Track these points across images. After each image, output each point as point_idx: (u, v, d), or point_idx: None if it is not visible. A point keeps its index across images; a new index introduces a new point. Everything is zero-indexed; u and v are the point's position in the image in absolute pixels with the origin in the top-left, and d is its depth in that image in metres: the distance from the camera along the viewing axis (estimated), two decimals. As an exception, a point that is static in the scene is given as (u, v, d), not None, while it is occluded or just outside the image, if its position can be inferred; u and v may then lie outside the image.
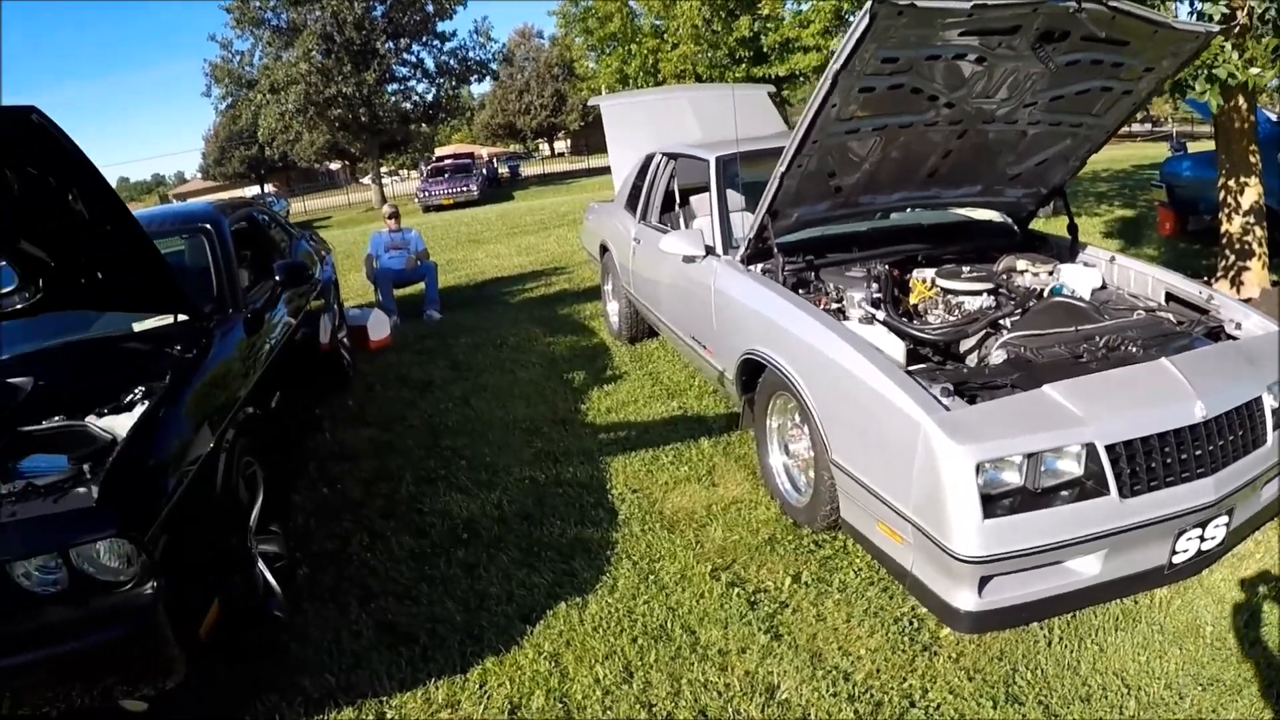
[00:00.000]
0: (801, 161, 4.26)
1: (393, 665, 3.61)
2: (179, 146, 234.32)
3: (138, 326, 4.96)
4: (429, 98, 42.84)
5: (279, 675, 3.65)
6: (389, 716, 3.35)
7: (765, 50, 31.09)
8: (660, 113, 8.51)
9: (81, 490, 3.09)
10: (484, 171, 41.24)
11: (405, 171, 62.87)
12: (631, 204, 7.43)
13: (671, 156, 6.80)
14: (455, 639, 3.71)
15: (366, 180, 50.20)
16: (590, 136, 63.46)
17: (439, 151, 55.50)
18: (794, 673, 3.27)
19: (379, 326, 9.02)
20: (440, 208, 33.58)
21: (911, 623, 3.51)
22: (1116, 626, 3.41)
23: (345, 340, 8.07)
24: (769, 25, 30.00)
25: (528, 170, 54.95)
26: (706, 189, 6.01)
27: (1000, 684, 3.15)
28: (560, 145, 77.00)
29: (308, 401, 6.08)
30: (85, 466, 3.26)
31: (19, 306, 4.46)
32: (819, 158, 4.33)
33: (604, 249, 8.34)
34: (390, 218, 10.98)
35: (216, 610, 3.32)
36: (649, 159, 7.29)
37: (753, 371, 4.65)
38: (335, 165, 68.41)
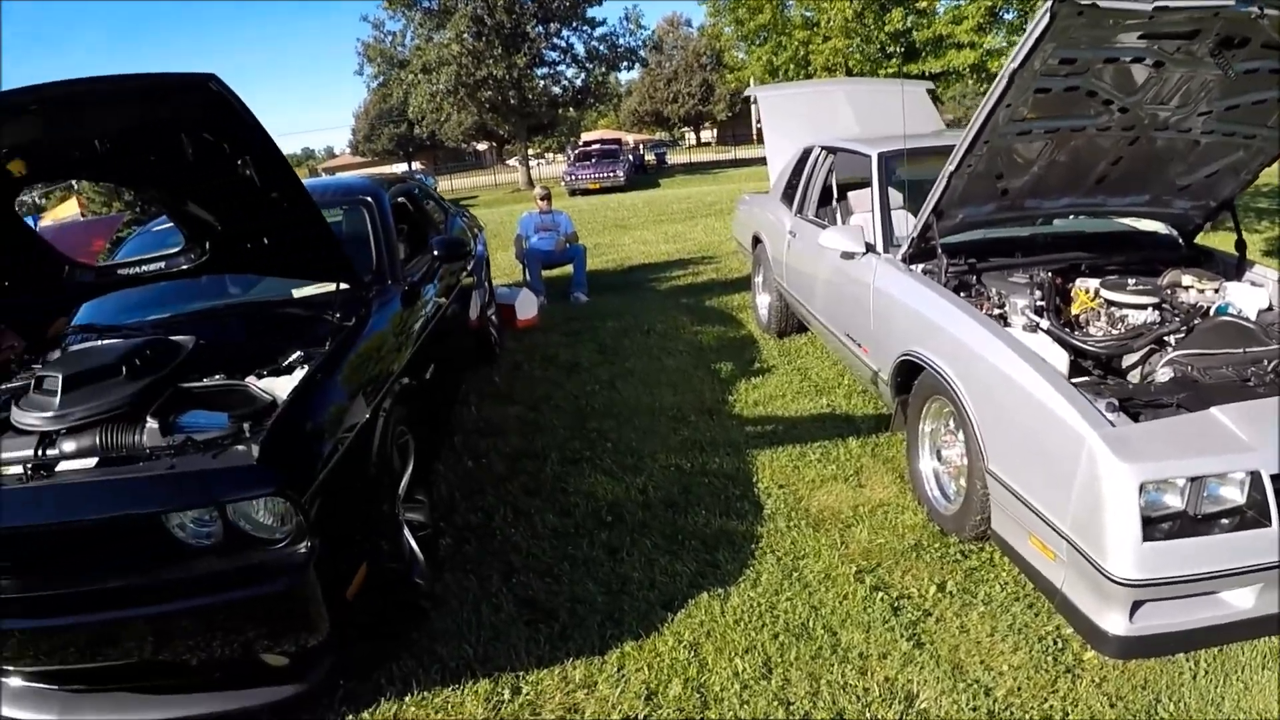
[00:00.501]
0: (971, 161, 4.18)
1: (531, 641, 3.68)
2: (328, 123, 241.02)
3: (297, 293, 5.08)
4: (578, 83, 43.28)
5: (417, 642, 3.76)
6: (525, 691, 3.40)
7: (917, 46, 30.56)
8: (816, 105, 8.45)
9: (241, 448, 3.18)
10: (630, 158, 41.30)
11: (551, 155, 63.49)
12: (788, 197, 7.39)
13: (830, 150, 6.74)
14: (595, 620, 3.75)
15: (513, 162, 51.03)
16: (737, 127, 63.16)
17: (585, 136, 56.05)
18: (934, 683, 3.22)
19: (527, 306, 9.15)
20: (586, 192, 33.77)
21: (1056, 642, 3.41)
22: (1264, 665, 3.26)
23: (494, 318, 8.22)
24: (922, 21, 29.49)
25: (674, 158, 54.85)
26: (864, 184, 5.94)
27: (1142, 713, 3.06)
28: (706, 135, 76.66)
29: (456, 375, 6.18)
30: (245, 425, 3.36)
31: (184, 267, 4.55)
32: (988, 158, 4.26)
33: (756, 240, 8.30)
34: (542, 199, 11.12)
35: (363, 574, 3.41)
36: (807, 152, 7.23)
37: (909, 373, 4.58)
38: (482, 146, 69.72)
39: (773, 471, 5.05)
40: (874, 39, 30.36)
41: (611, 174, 34.60)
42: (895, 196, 5.77)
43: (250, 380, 3.91)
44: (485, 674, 3.53)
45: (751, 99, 9.18)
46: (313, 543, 3.11)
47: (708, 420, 5.96)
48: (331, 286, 4.73)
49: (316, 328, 4.44)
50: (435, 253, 5.74)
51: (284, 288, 5.12)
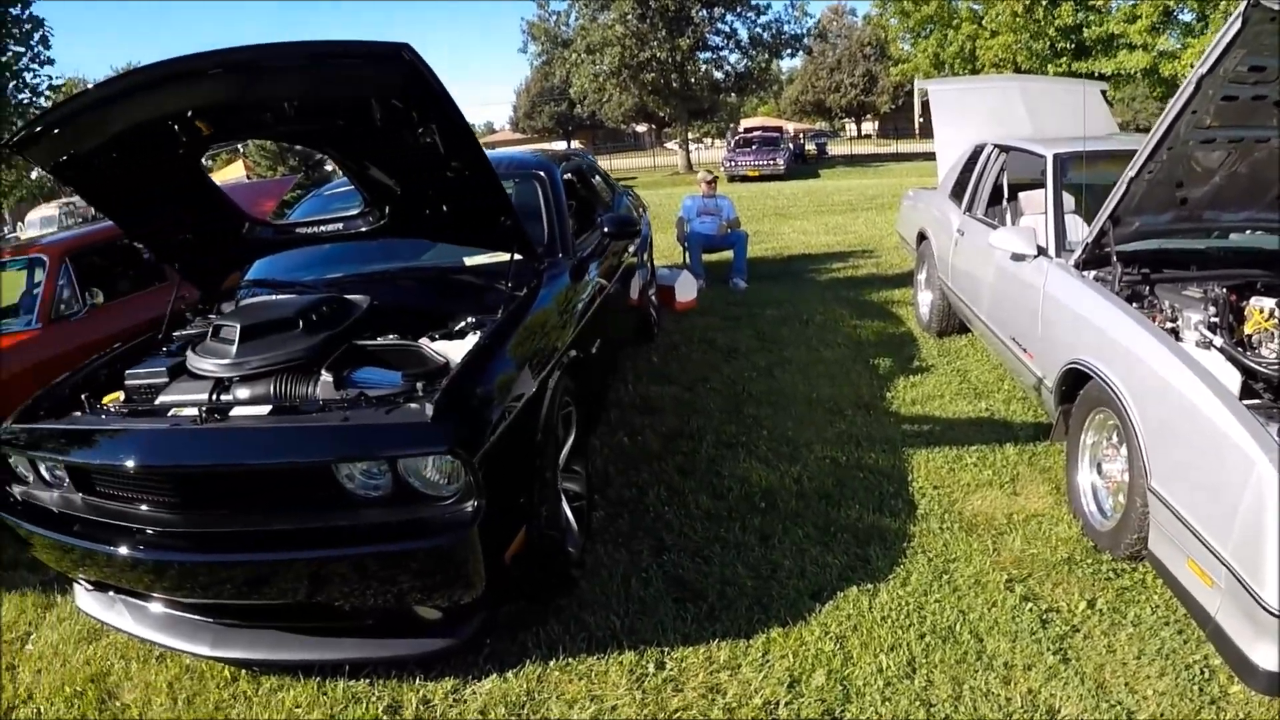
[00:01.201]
0: (1152, 168, 4.12)
1: (678, 619, 3.76)
2: (489, 98, 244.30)
3: (469, 261, 5.19)
4: (740, 68, 43.03)
5: (564, 608, 3.88)
6: (668, 667, 3.48)
7: (1087, 44, 29.32)
8: (988, 101, 8.30)
9: (414, 406, 3.30)
10: (790, 146, 40.91)
11: (710, 140, 63.26)
12: (957, 194, 7.31)
13: (1003, 149, 6.64)
14: (743, 604, 3.81)
15: (672, 145, 51.08)
16: (899, 120, 61.87)
17: (745, 123, 55.62)
18: (1076, 700, 3.18)
19: (686, 288, 9.21)
20: (745, 179, 33.64)
21: (1203, 671, 3.31)
22: None
23: (654, 298, 8.34)
24: (1092, 18, 28.32)
25: (834, 149, 54.07)
26: (1035, 185, 5.85)
27: (1284, 753, 2.96)
28: (867, 126, 75.26)
29: (616, 352, 6.26)
30: (418, 385, 3.45)
31: (362, 229, 4.65)
32: (1169, 166, 4.19)
33: (921, 237, 8.22)
34: (707, 183, 11.17)
35: (522, 537, 3.52)
36: (978, 149, 7.14)
37: (1074, 382, 4.50)
38: (641, 128, 69.69)
39: (928, 472, 5.03)
40: (1043, 35, 29.42)
41: (771, 162, 34.38)
42: (1070, 201, 5.67)
43: (424, 342, 4.05)
44: (631, 646, 3.63)
45: (921, 92, 9.00)
46: (479, 503, 3.19)
47: (864, 415, 5.95)
48: (504, 256, 4.81)
49: (487, 296, 4.56)
50: (605, 229, 5.80)
51: (455, 255, 5.22)
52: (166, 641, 3.84)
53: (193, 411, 3.60)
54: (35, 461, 3.88)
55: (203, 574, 3.49)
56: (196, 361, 3.95)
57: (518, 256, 4.61)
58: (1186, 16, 28.62)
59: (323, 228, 4.85)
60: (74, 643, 4.25)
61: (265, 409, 3.55)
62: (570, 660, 3.60)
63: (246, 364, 3.80)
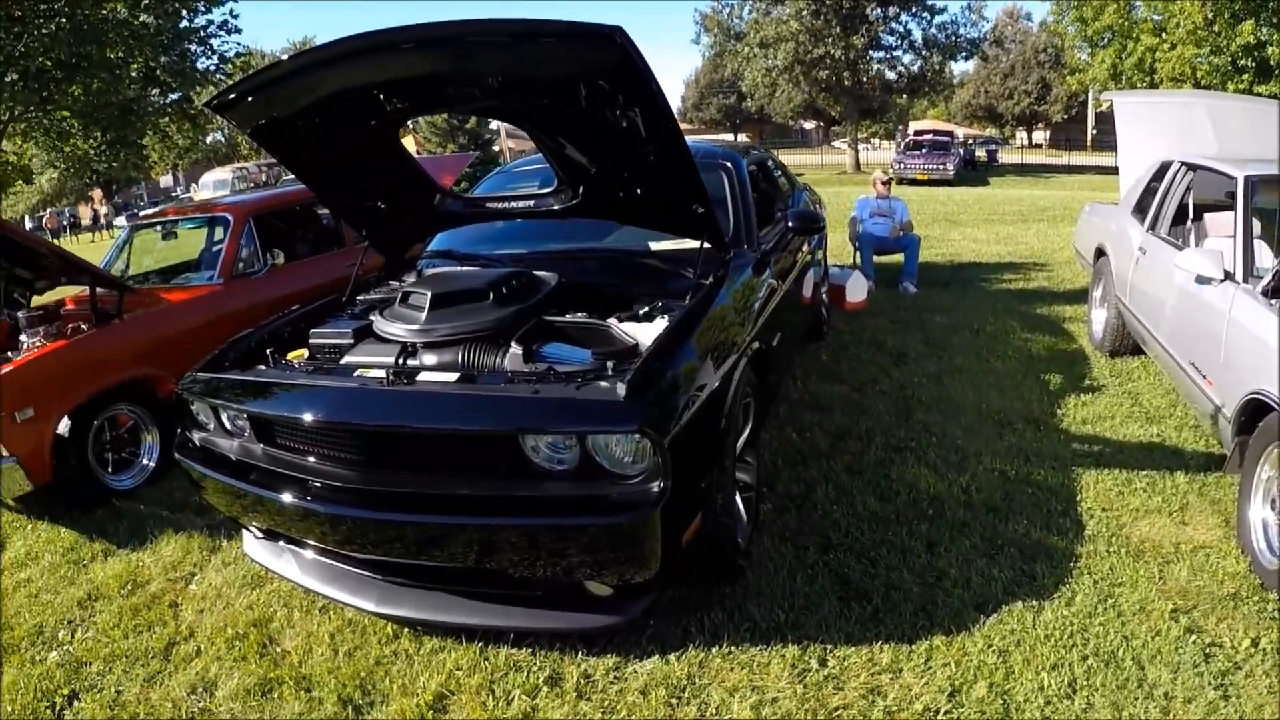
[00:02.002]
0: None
1: (842, 618, 3.77)
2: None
3: (654, 246, 5.14)
4: (914, 69, 42.12)
5: (729, 597, 3.92)
6: (830, 665, 3.50)
7: (1272, 63, 27.59)
8: (1175, 116, 7.92)
9: (605, 384, 3.30)
10: (960, 152, 39.70)
11: (877, 140, 62.06)
12: (1140, 211, 7.06)
13: (1191, 167, 6.39)
14: (908, 609, 3.81)
15: (840, 144, 50.36)
16: (1070, 131, 59.76)
17: (915, 125, 54.37)
18: (1235, 739, 3.09)
19: (857, 289, 9.12)
20: (914, 182, 32.80)
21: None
22: None
23: (825, 296, 8.30)
24: (1276, 37, 26.62)
25: (1004, 157, 52.27)
26: (1221, 206, 5.63)
27: None
28: (1038, 136, 72.55)
29: (790, 347, 6.22)
30: (609, 364, 3.47)
31: (554, 207, 4.66)
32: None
33: (1099, 253, 7.95)
34: (882, 184, 11.01)
35: (699, 523, 3.51)
36: (1164, 166, 6.88)
37: (1254, 413, 4.33)
38: (809, 125, 68.86)
39: (1096, 493, 4.90)
40: (1225, 50, 27.86)
41: (941, 166, 33.33)
42: (1256, 224, 5.44)
43: (612, 322, 4.06)
44: (794, 641, 3.64)
45: (1104, 102, 8.67)
46: (665, 484, 3.17)
47: (1034, 430, 5.83)
48: (689, 244, 4.75)
49: (672, 282, 4.57)
50: (789, 224, 5.75)
51: (639, 239, 5.18)
52: (332, 594, 3.96)
53: (379, 373, 3.70)
54: (218, 410, 4.04)
55: (378, 531, 3.53)
56: (383, 325, 4.05)
57: (706, 245, 4.57)
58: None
59: (514, 203, 4.93)
60: (238, 587, 4.49)
61: (452, 376, 3.61)
62: (733, 649, 3.62)
63: (435, 331, 3.87)
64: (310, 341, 4.26)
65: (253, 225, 7.06)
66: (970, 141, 50.57)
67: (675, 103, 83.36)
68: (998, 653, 3.52)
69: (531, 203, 4.83)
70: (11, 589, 4.80)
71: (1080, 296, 9.60)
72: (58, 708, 3.75)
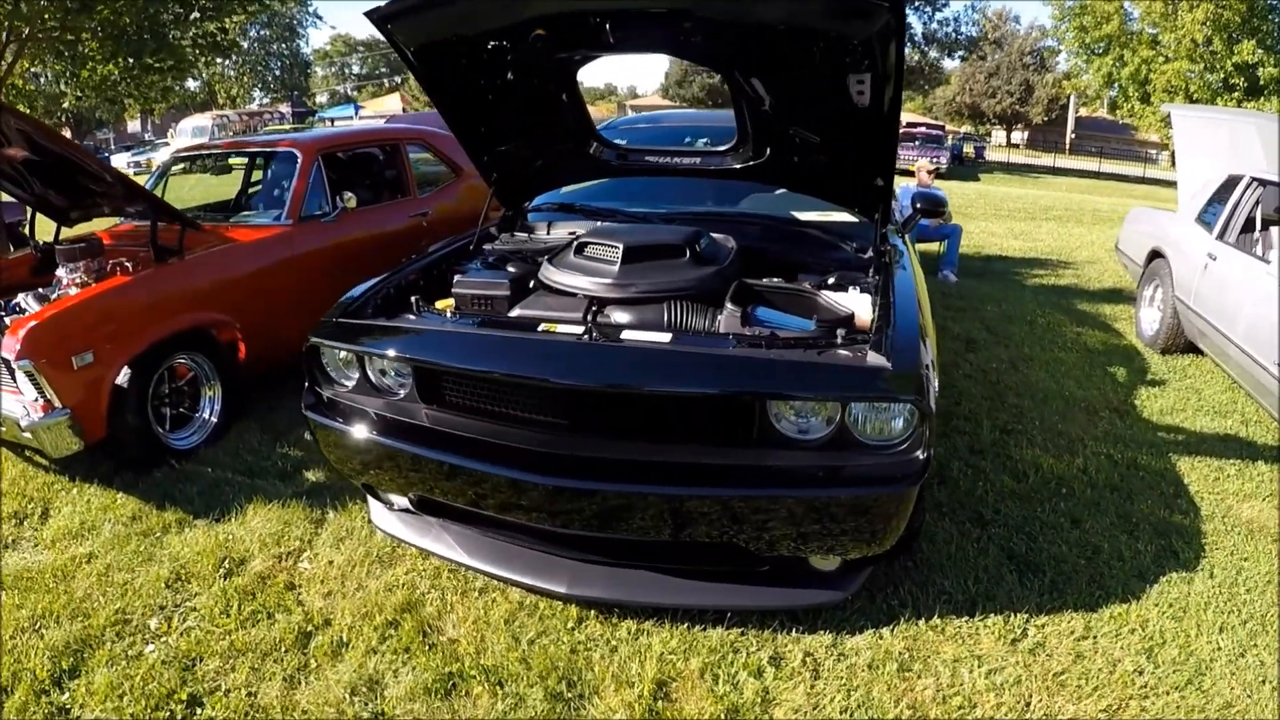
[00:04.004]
0: None
1: (1024, 589, 3.80)
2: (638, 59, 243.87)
3: (801, 215, 4.79)
4: (910, 63, 41.96)
5: (913, 571, 3.88)
6: (1032, 634, 3.52)
7: (1262, 83, 28.13)
8: (1230, 132, 8.04)
9: (849, 352, 3.08)
10: (950, 147, 39.67)
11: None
12: (1205, 220, 7.24)
13: (1263, 182, 6.59)
14: (1080, 580, 3.88)
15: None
16: (1050, 133, 59.81)
17: (904, 118, 54.09)
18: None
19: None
20: (905, 173, 32.61)
21: None
22: None
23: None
24: (1270, 58, 27.18)
25: (990, 155, 52.00)
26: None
27: None
28: (1017, 136, 72.22)
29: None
30: (839, 331, 3.21)
31: (731, 165, 4.26)
32: None
33: (1154, 255, 8.09)
34: (928, 172, 11.04)
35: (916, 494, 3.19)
36: (1234, 179, 7.05)
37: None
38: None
39: (1195, 478, 5.06)
40: (1219, 67, 28.37)
41: (935, 159, 32.93)
42: None
43: (824, 291, 3.80)
44: (990, 612, 3.61)
45: (1166, 116, 8.83)
46: (928, 454, 2.99)
47: (1119, 419, 5.97)
48: (841, 216, 4.64)
49: (833, 253, 4.31)
50: (917, 205, 5.36)
51: (781, 207, 4.87)
52: (507, 574, 3.54)
53: (573, 330, 3.31)
54: (366, 363, 3.57)
55: (595, 503, 3.13)
56: (559, 277, 3.71)
57: (861, 220, 4.45)
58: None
59: (678, 159, 4.43)
60: (366, 565, 3.94)
61: (663, 335, 3.26)
62: (938, 621, 3.55)
63: (632, 286, 3.55)
64: (455, 291, 3.84)
65: (321, 164, 6.24)
66: (953, 137, 50.53)
67: (658, 79, 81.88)
68: (1173, 618, 3.66)
69: (698, 159, 4.40)
70: (70, 567, 4.00)
71: (1113, 295, 9.86)
72: (178, 717, 3.09)
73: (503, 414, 3.30)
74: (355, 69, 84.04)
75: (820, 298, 3.75)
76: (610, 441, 3.17)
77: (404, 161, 7.25)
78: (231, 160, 7.54)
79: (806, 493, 2.99)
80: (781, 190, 4.90)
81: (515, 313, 3.69)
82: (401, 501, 3.83)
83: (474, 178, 7.52)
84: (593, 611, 3.53)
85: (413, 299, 3.76)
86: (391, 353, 3.45)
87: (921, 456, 3.00)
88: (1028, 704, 3.07)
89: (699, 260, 3.77)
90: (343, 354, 3.63)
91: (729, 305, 3.49)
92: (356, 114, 45.56)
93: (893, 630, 3.48)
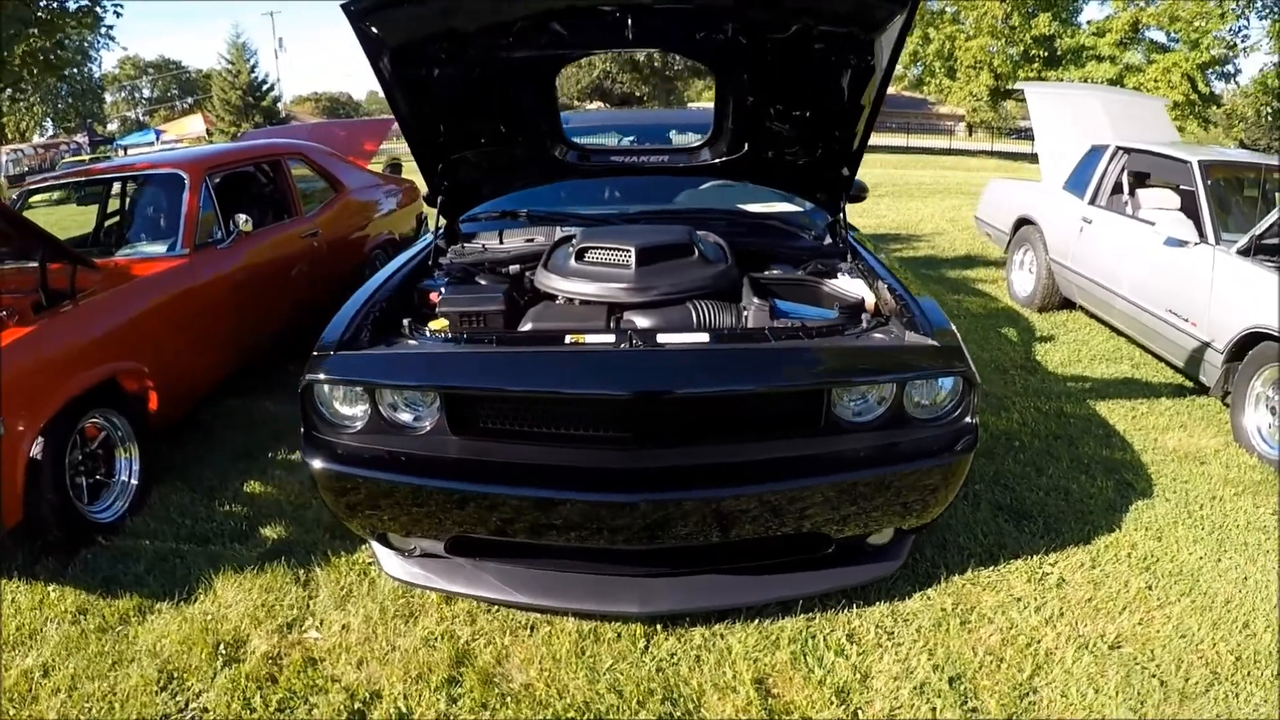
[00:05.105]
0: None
1: (1025, 534, 4.14)
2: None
3: (748, 207, 4.92)
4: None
5: (931, 534, 4.00)
6: (1053, 571, 3.86)
7: (1060, 53, 30.44)
8: (1078, 107, 8.72)
9: (884, 334, 3.27)
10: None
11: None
12: (1075, 187, 7.86)
13: (1127, 150, 7.32)
14: (1068, 520, 4.27)
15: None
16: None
17: (698, 106, 55.30)
18: None
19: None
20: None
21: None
22: None
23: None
24: (1065, 30, 29.47)
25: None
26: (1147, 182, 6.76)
27: None
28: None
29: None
30: (864, 317, 3.40)
31: (709, 161, 4.29)
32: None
33: (1022, 222, 8.67)
34: None
35: None
36: (1099, 149, 7.71)
37: (1244, 345, 5.24)
38: (593, 106, 68.58)
39: (1116, 419, 5.61)
40: (1019, 41, 30.40)
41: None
42: (1175, 197, 6.41)
43: (833, 279, 3.96)
44: (1009, 558, 3.91)
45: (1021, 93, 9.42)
46: (975, 419, 3.22)
47: (1029, 375, 6.44)
48: (785, 206, 4.83)
49: (794, 241, 4.46)
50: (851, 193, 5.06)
51: (729, 200, 4.97)
52: (575, 606, 3.32)
53: (604, 338, 3.18)
54: (375, 399, 3.16)
55: (683, 513, 3.05)
56: (568, 284, 3.62)
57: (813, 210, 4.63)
58: (1156, 35, 29.93)
59: (644, 158, 4.38)
60: (388, 623, 3.49)
61: (700, 336, 3.19)
62: (971, 575, 3.79)
63: (653, 289, 3.50)
64: (442, 310, 3.63)
65: (209, 185, 5.65)
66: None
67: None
68: (1154, 539, 4.16)
69: (666, 157, 4.36)
70: (26, 687, 3.23)
71: (973, 262, 10.64)
72: None
73: (553, 435, 3.11)
74: (146, 92, 79.77)
75: (825, 286, 3.92)
76: (679, 448, 3.08)
77: (288, 178, 6.81)
78: (95, 187, 6.56)
79: (879, 471, 3.12)
80: (725, 183, 4.99)
81: (528, 326, 3.55)
82: (428, 546, 3.43)
83: (353, 192, 7.51)
84: (657, 626, 3.37)
85: (405, 322, 3.40)
86: (424, 382, 3.16)
87: (972, 423, 3.23)
88: (1078, 630, 3.47)
89: (707, 258, 3.77)
90: (344, 391, 3.21)
91: (755, 300, 3.53)
92: (158, 139, 43.02)
93: (937, 590, 3.68)
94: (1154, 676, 3.20)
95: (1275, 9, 26.76)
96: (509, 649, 3.32)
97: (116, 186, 6.51)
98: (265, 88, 48.34)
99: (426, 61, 3.66)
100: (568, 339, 3.19)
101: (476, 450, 3.16)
